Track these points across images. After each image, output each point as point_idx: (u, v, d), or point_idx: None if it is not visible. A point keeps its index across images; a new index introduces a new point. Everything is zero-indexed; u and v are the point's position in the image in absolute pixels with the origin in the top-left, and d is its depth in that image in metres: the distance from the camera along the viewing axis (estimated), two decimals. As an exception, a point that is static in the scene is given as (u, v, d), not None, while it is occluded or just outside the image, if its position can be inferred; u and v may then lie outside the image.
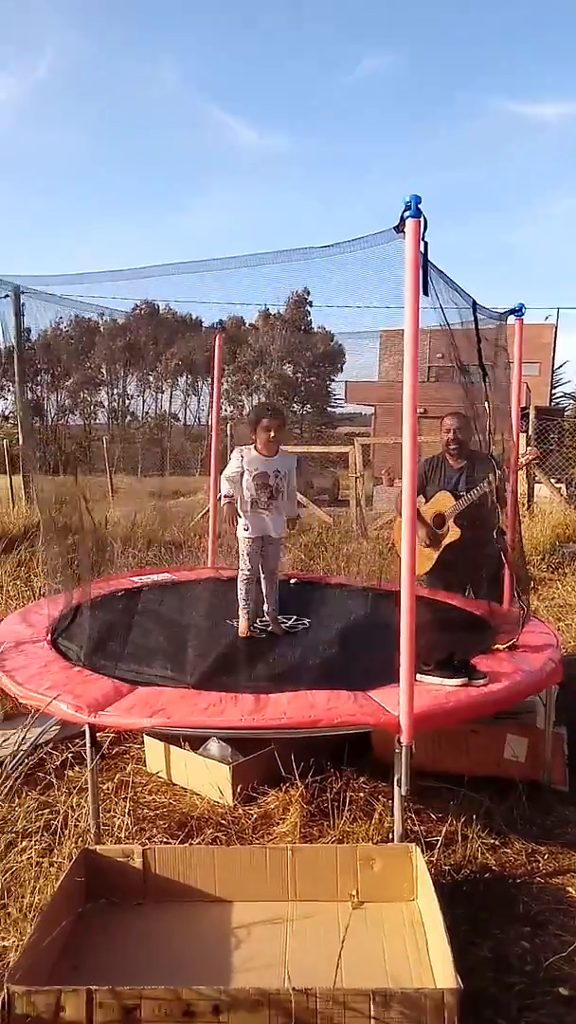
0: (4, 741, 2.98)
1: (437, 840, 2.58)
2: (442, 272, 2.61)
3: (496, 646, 3.16)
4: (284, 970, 1.87)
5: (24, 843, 2.31)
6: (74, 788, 2.75)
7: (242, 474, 3.47)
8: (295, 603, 3.90)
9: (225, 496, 3.49)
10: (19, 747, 2.79)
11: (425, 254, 2.30)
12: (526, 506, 9.13)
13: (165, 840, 2.62)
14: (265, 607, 3.59)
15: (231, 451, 3.64)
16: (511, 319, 3.69)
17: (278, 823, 2.74)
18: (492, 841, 2.66)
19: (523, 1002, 1.91)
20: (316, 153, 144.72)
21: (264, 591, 3.59)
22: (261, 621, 3.61)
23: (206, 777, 2.97)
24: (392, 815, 2.50)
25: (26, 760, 2.74)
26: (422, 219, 2.25)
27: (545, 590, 6.55)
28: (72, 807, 2.58)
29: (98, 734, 2.58)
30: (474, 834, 2.63)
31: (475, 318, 3.18)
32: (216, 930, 2.08)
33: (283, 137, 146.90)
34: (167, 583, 4.55)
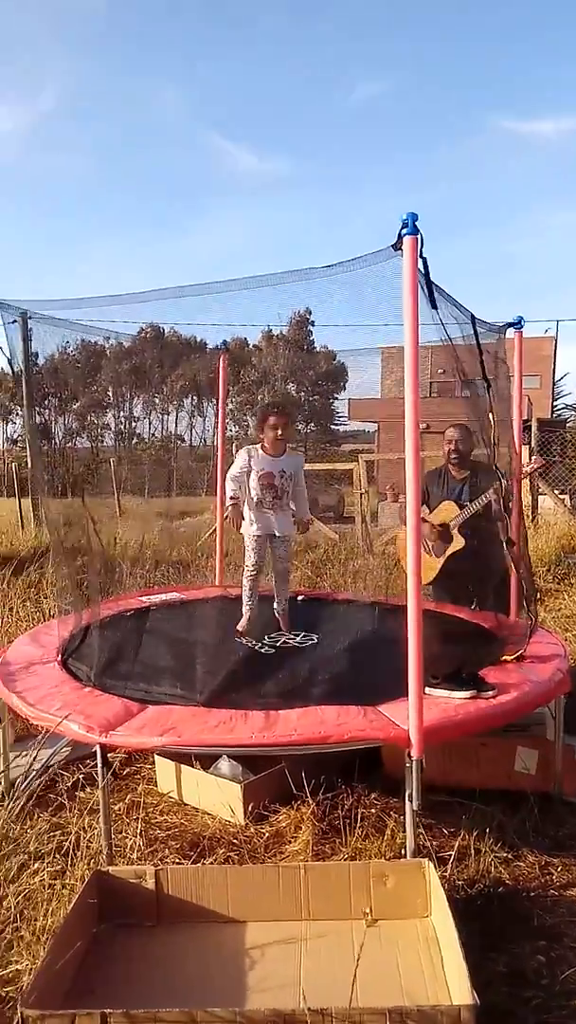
0: (15, 762, 2.98)
1: (450, 855, 2.56)
2: (440, 288, 2.64)
3: (504, 657, 3.16)
4: (299, 990, 1.86)
5: (36, 865, 2.30)
6: (86, 809, 2.75)
7: (248, 473, 3.49)
8: (303, 619, 3.91)
9: (230, 499, 3.51)
10: (30, 768, 2.79)
11: (426, 270, 2.33)
12: (531, 517, 9.12)
13: (177, 861, 2.61)
14: (275, 605, 3.60)
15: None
16: (510, 332, 3.72)
17: (290, 841, 2.73)
18: (505, 854, 2.64)
19: (540, 1016, 1.89)
20: (316, 175, 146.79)
21: (275, 590, 3.61)
22: (269, 637, 3.62)
23: (217, 796, 2.97)
24: (404, 831, 2.48)
25: (38, 781, 2.75)
26: (419, 236, 2.28)
27: (551, 601, 6.53)
28: (84, 828, 2.58)
29: (109, 754, 2.58)
30: (487, 848, 2.61)
31: (475, 332, 3.22)
32: (230, 951, 2.07)
33: (283, 160, 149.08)
34: (176, 602, 4.56)
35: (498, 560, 4.20)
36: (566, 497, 10.37)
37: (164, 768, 3.20)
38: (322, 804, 2.81)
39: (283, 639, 3.62)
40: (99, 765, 2.49)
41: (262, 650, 3.49)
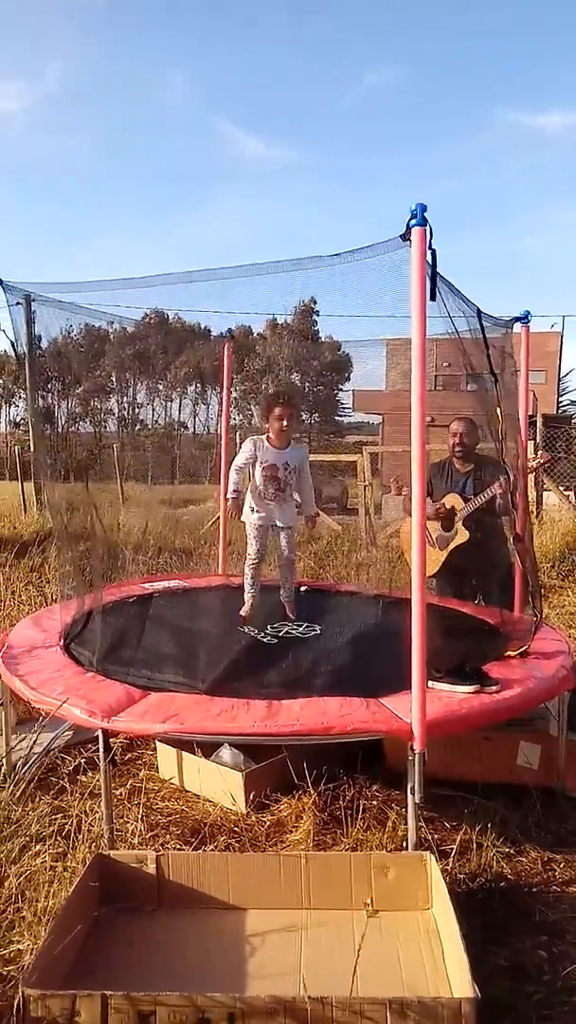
0: (17, 745, 2.98)
1: (451, 848, 2.56)
2: (448, 281, 2.61)
3: (508, 653, 3.15)
4: (299, 978, 1.86)
5: (38, 847, 2.30)
6: (87, 793, 2.75)
7: (252, 463, 3.49)
8: (306, 611, 3.90)
9: (232, 491, 3.51)
10: (31, 751, 2.79)
11: (434, 262, 2.30)
12: (535, 514, 9.09)
13: (178, 846, 2.62)
14: (281, 593, 3.61)
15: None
16: (517, 327, 3.70)
17: (291, 831, 2.73)
18: (507, 849, 2.64)
19: (541, 1012, 1.89)
20: (323, 164, 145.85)
21: (280, 578, 3.61)
22: (272, 627, 3.61)
23: (219, 784, 2.97)
24: (405, 823, 2.48)
25: (39, 764, 2.74)
26: (428, 227, 2.25)
27: (556, 597, 6.52)
28: (85, 812, 2.58)
29: (111, 740, 2.58)
30: (489, 842, 2.61)
31: (481, 326, 3.19)
32: (230, 937, 2.07)
33: (290, 148, 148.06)
34: (178, 589, 4.55)
35: (502, 555, 4.20)
36: (571, 494, 10.33)
37: (166, 754, 3.20)
38: (324, 794, 2.81)
39: (286, 629, 3.62)
40: (101, 750, 2.49)
41: (265, 640, 3.49)
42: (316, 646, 3.42)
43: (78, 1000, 1.65)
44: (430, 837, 2.65)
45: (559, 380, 29.56)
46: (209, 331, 5.39)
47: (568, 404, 30.37)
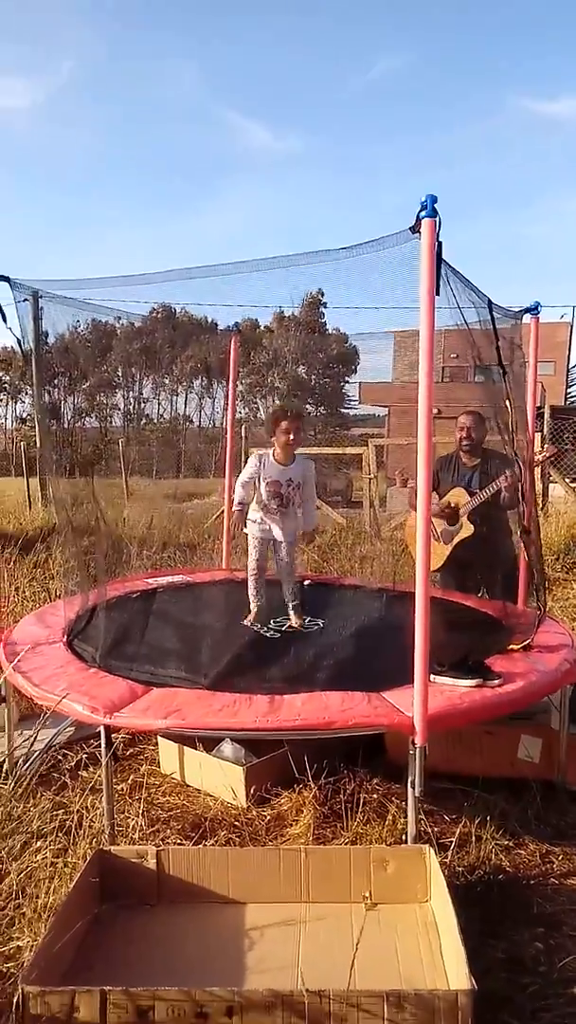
0: (20, 741, 3.00)
1: (451, 841, 2.57)
2: (457, 271, 2.59)
3: (511, 646, 3.15)
4: (298, 972, 1.87)
5: (39, 843, 2.32)
6: (88, 789, 2.77)
7: (257, 479, 3.52)
8: (309, 604, 3.90)
9: (237, 504, 3.56)
10: (33, 747, 2.81)
11: (439, 253, 2.28)
12: (541, 506, 9.06)
13: (179, 841, 2.63)
14: (286, 599, 3.63)
15: (245, 454, 3.69)
16: (527, 318, 3.67)
17: (291, 825, 2.74)
18: (506, 842, 2.64)
19: (537, 1003, 1.90)
20: (331, 154, 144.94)
21: (283, 589, 3.63)
22: (275, 622, 3.62)
23: (220, 779, 2.98)
24: (405, 816, 2.49)
25: (41, 760, 2.76)
26: (438, 219, 2.23)
27: (560, 590, 6.50)
28: (87, 808, 2.59)
29: (112, 735, 2.59)
30: (488, 835, 2.61)
31: (491, 317, 3.17)
32: (230, 931, 2.09)
33: (297, 138, 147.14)
34: (182, 584, 4.56)
35: (507, 548, 4.18)
36: (577, 486, 10.28)
37: (167, 749, 3.22)
38: (324, 788, 2.82)
39: (288, 623, 3.62)
40: (103, 746, 2.50)
41: (267, 634, 3.50)
42: (319, 640, 3.43)
43: (77, 996, 1.66)
44: (430, 830, 2.65)
45: (568, 371, 29.33)
46: (216, 325, 5.38)
47: (577, 395, 30.11)
